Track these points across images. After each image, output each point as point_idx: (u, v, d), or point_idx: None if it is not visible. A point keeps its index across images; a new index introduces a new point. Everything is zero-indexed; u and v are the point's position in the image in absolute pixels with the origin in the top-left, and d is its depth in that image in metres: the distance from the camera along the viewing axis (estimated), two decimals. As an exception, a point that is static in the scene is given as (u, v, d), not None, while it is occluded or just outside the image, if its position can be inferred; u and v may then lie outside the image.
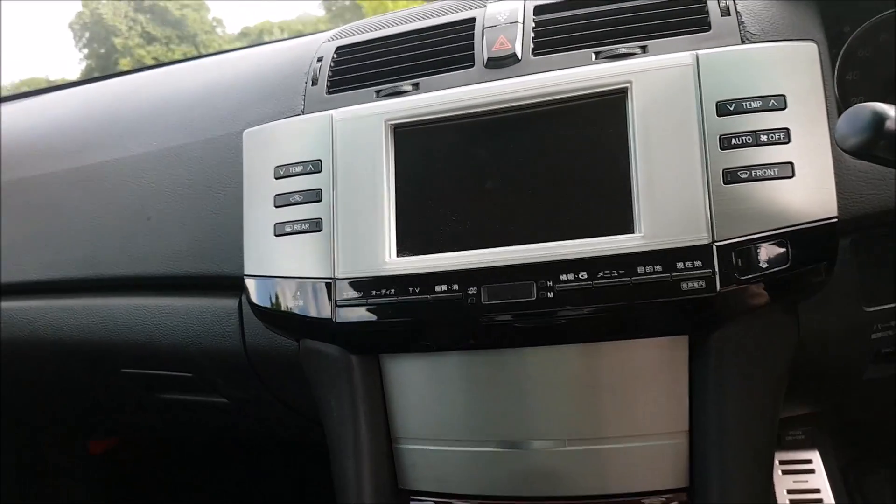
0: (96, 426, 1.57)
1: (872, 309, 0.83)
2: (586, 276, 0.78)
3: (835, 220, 0.76)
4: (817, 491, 1.63)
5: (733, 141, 0.77)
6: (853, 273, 0.83)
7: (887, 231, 0.83)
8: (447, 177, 0.85)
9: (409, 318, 0.84)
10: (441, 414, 0.94)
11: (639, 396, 0.88)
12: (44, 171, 1.21)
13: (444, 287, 0.82)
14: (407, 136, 0.88)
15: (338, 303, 0.86)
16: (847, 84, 0.87)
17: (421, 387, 0.94)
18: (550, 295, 0.79)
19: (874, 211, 0.81)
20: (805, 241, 0.76)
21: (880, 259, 0.83)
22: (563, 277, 0.79)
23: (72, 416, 1.47)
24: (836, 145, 0.79)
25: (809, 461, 1.67)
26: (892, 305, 0.83)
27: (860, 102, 0.88)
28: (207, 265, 1.02)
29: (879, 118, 0.62)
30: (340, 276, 0.86)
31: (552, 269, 0.79)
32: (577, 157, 0.82)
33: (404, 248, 0.85)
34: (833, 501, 1.60)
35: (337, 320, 0.86)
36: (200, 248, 1.03)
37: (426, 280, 0.83)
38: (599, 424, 0.89)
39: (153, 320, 1.08)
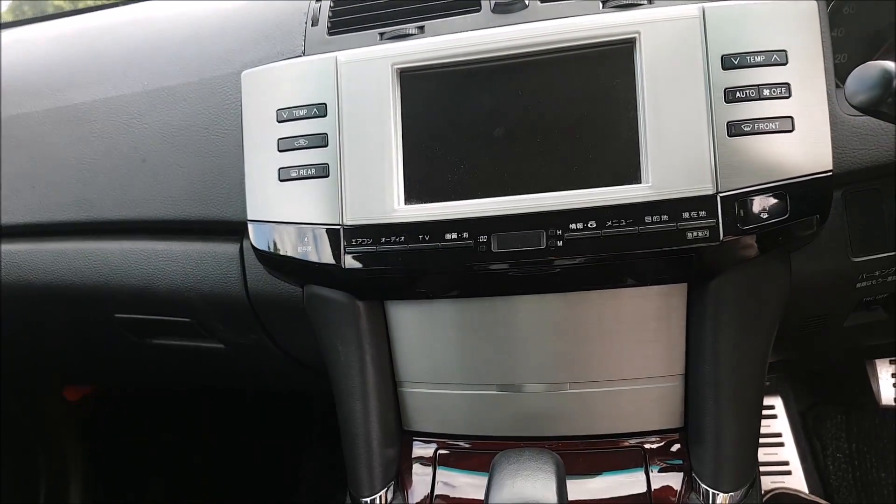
0: (79, 373, 1.55)
1: (859, 259, 0.87)
2: (595, 225, 0.80)
3: (830, 173, 0.79)
4: (779, 435, 1.73)
5: (737, 94, 0.79)
6: (843, 224, 0.87)
7: (877, 185, 0.86)
8: (455, 123, 0.85)
9: (418, 265, 0.85)
10: (444, 358, 0.96)
11: (637, 341, 0.91)
12: (24, 111, 1.16)
13: (454, 235, 0.83)
14: (413, 81, 0.87)
15: (346, 249, 0.86)
16: (832, 40, 0.89)
17: (425, 332, 0.96)
18: (560, 243, 0.80)
19: (865, 166, 0.84)
20: (802, 193, 0.78)
21: (868, 212, 0.87)
22: (573, 226, 0.80)
23: (54, 363, 1.45)
24: (835, 100, 0.83)
25: (772, 406, 1.76)
26: (878, 256, 0.88)
27: (844, 59, 0.92)
28: (207, 209, 1.01)
29: (889, 76, 0.65)
30: (349, 222, 0.86)
31: (561, 217, 0.81)
32: (585, 105, 0.82)
33: (412, 195, 0.85)
34: (794, 444, 1.70)
35: (346, 266, 0.86)
36: (200, 191, 1.01)
37: (436, 228, 0.83)
38: (599, 368, 0.93)
39: (150, 264, 1.07)
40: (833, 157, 0.79)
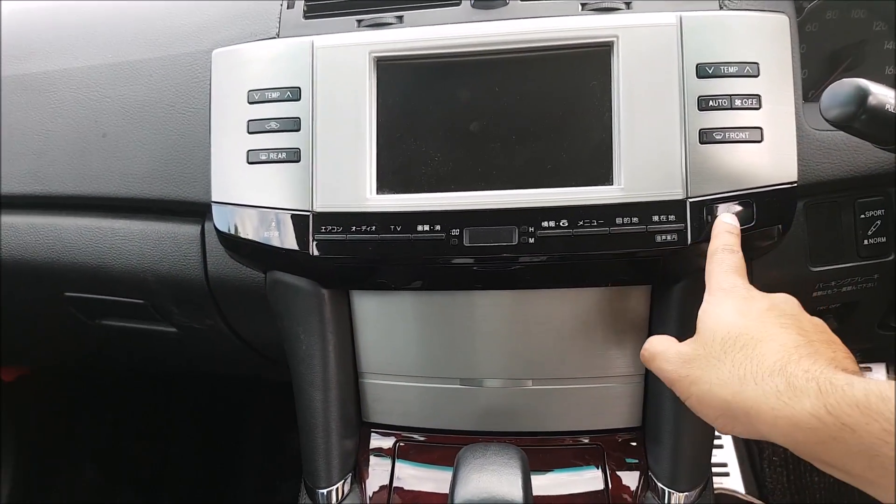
0: (17, 352, 1.48)
1: (817, 269, 0.90)
2: (567, 224, 0.81)
3: (795, 184, 0.81)
4: (718, 437, 1.78)
5: (710, 103, 0.81)
6: (803, 235, 0.89)
7: (836, 198, 0.89)
8: (431, 115, 0.85)
9: (389, 255, 0.84)
10: (407, 350, 0.96)
11: (599, 341, 0.93)
12: (-23, 76, 1.11)
13: (427, 227, 0.82)
14: (390, 70, 0.86)
15: (315, 236, 0.85)
16: None
17: (389, 323, 0.95)
18: (531, 240, 0.81)
19: (826, 179, 0.87)
20: (768, 202, 0.81)
21: (827, 223, 0.90)
22: (545, 224, 0.81)
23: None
24: (801, 114, 0.85)
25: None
26: (834, 267, 0.91)
27: (805, 75, 0.95)
28: (169, 188, 0.98)
29: (863, 93, 0.66)
30: (319, 209, 0.85)
31: (534, 215, 0.81)
32: (560, 106, 0.83)
33: (385, 185, 0.84)
34: (732, 447, 1.75)
35: (314, 253, 0.85)
36: (161, 169, 0.98)
37: (408, 219, 0.83)
38: (560, 366, 0.94)
39: (105, 242, 1.03)
40: (797, 168, 0.82)
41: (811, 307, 0.96)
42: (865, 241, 0.90)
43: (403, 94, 0.86)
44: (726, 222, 0.78)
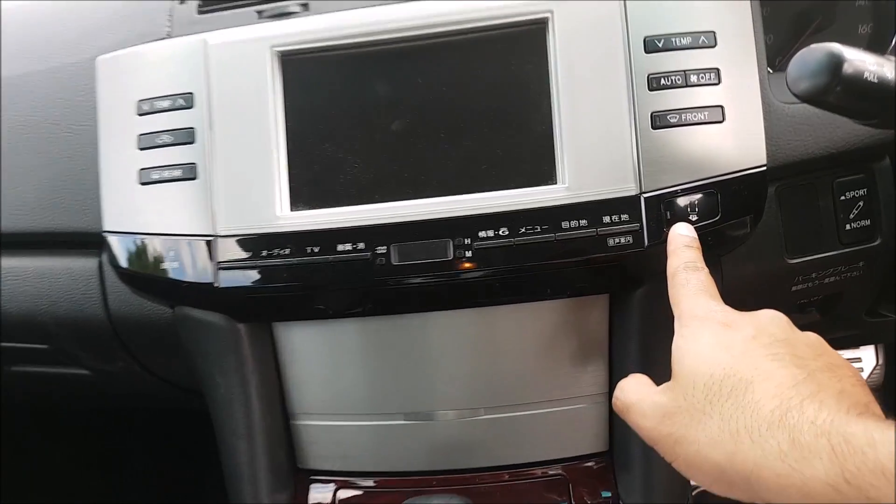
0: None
1: (795, 261, 0.82)
2: (507, 233, 0.72)
3: (764, 168, 0.73)
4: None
5: (662, 81, 0.73)
6: (777, 223, 0.81)
7: (810, 180, 0.81)
8: (346, 116, 0.75)
9: (307, 281, 0.74)
10: (343, 385, 0.86)
11: (556, 359, 0.84)
12: None
13: (349, 246, 0.73)
14: (297, 67, 0.76)
15: (220, 264, 0.75)
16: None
17: (320, 356, 0.86)
18: (469, 254, 0.72)
19: (799, 159, 0.78)
20: (735, 190, 0.73)
21: (803, 208, 0.81)
22: (482, 234, 0.72)
23: None
24: (767, 87, 0.77)
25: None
26: (814, 257, 0.82)
27: (770, 40, 0.88)
28: (60, 219, 0.88)
29: (837, 61, 0.56)
30: (222, 232, 0.75)
31: (470, 224, 0.72)
32: (493, 96, 0.74)
33: (299, 199, 0.75)
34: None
35: (220, 285, 0.75)
36: (51, 198, 0.88)
37: (327, 237, 0.73)
38: (515, 390, 0.85)
39: (-4, 284, 0.92)
40: (766, 149, 0.73)
41: (791, 302, 0.88)
42: (847, 226, 0.81)
43: (314, 92, 0.76)
44: (682, 234, 0.69)
